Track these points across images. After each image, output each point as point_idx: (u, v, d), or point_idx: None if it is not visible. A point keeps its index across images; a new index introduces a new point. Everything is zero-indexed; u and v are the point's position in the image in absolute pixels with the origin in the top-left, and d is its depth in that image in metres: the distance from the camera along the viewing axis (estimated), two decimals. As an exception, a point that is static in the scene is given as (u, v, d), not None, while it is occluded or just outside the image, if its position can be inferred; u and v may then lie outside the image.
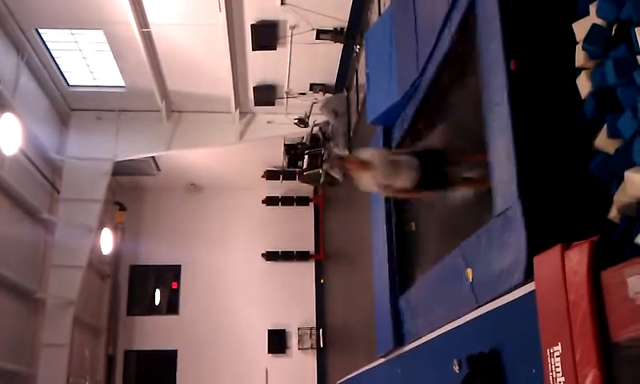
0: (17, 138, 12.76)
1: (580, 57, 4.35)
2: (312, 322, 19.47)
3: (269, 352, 19.16)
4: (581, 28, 4.32)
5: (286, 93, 15.48)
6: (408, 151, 6.64)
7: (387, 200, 8.87)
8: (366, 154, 6.68)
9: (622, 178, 3.96)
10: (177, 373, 18.96)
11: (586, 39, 4.25)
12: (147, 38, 13.31)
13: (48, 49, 13.86)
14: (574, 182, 4.53)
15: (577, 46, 4.38)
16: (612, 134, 4.08)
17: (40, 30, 13.33)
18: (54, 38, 13.60)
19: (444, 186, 6.41)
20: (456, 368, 5.66)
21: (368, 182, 6.54)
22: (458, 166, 6.20)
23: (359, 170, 6.53)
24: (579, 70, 4.37)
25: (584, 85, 4.33)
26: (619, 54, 3.99)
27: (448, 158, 6.32)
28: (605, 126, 4.13)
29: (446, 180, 6.30)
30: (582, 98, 4.36)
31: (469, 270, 5.44)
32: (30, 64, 13.79)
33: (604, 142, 4.16)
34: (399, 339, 8.18)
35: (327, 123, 15.42)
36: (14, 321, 13.92)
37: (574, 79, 4.42)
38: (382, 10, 10.81)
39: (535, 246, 4.25)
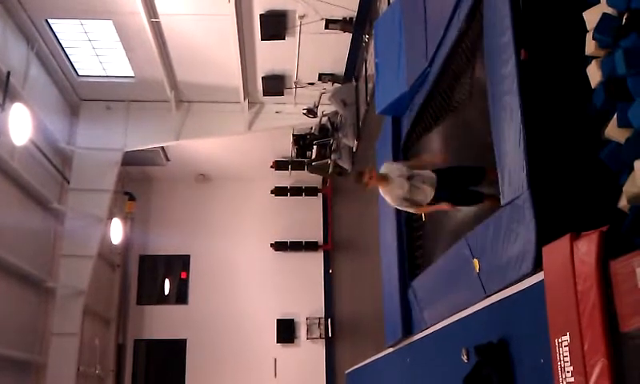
0: (27, 129, 12.81)
1: (590, 46, 4.33)
2: (320, 311, 19.52)
3: (277, 341, 19.23)
4: (591, 17, 4.30)
5: (295, 83, 15.46)
6: (428, 166, 6.71)
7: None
8: (385, 168, 6.76)
9: (632, 168, 3.94)
10: (186, 362, 19.07)
11: (597, 28, 4.22)
12: (156, 29, 13.32)
13: (58, 39, 13.89)
14: (584, 171, 4.52)
15: (587, 35, 4.36)
16: (622, 124, 4.06)
17: (50, 21, 13.36)
18: (64, 29, 13.63)
19: (464, 202, 6.50)
20: (464, 357, 5.67)
21: (387, 195, 6.65)
22: (480, 184, 6.28)
23: (378, 184, 6.61)
24: (589, 59, 4.35)
25: (594, 74, 4.31)
26: (629, 43, 3.96)
27: (470, 176, 6.41)
28: (615, 116, 4.12)
29: (467, 197, 6.41)
30: (592, 87, 4.34)
31: (475, 261, 5.44)
32: (39, 55, 13.83)
33: (614, 131, 4.15)
34: (408, 329, 8.20)
35: (336, 113, 15.41)
36: (24, 310, 14.01)
37: (584, 68, 4.40)
38: (392, 0, 10.77)
39: (544, 235, 4.24)
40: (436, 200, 6.49)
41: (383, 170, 6.79)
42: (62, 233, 15.41)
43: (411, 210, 6.92)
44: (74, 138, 16.00)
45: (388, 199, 6.70)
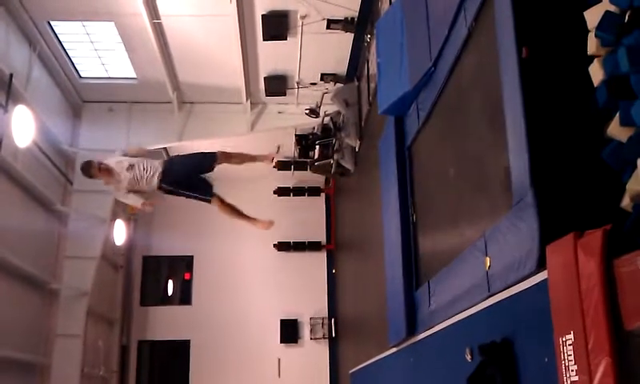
0: (30, 131, 12.82)
1: (592, 44, 4.33)
2: (324, 311, 19.51)
3: (281, 342, 19.24)
4: (592, 15, 4.29)
5: (297, 83, 15.47)
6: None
7: (400, 189, 8.87)
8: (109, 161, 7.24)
9: (634, 166, 3.94)
10: (190, 362, 19.09)
11: (599, 26, 4.22)
12: (158, 30, 13.34)
13: (60, 41, 13.92)
14: (587, 170, 4.52)
15: (589, 34, 4.35)
16: (625, 122, 4.06)
17: (52, 23, 13.38)
18: (66, 31, 13.65)
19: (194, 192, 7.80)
20: (468, 357, 5.67)
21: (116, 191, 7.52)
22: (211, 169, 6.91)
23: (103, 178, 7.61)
24: (592, 58, 4.34)
25: (596, 72, 4.31)
26: (632, 41, 3.96)
27: (199, 162, 6.81)
28: (617, 114, 4.11)
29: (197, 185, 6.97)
30: (595, 85, 4.34)
31: (487, 258, 5.43)
32: (42, 56, 13.85)
33: (617, 129, 4.14)
34: (412, 328, 8.19)
35: (338, 113, 15.41)
36: (28, 312, 14.03)
37: (587, 67, 4.40)
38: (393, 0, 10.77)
39: (548, 234, 4.24)
40: (163, 189, 6.82)
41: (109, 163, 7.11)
42: (65, 234, 15.42)
43: (131, 202, 7.30)
44: (76, 140, 16.01)
45: (117, 195, 7.17)
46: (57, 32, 13.65)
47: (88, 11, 12.82)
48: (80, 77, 15.35)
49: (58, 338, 14.85)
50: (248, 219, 8.23)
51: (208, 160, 7.49)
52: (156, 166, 7.59)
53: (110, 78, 15.50)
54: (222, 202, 7.35)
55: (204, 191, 7.40)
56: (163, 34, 13.55)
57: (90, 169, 7.82)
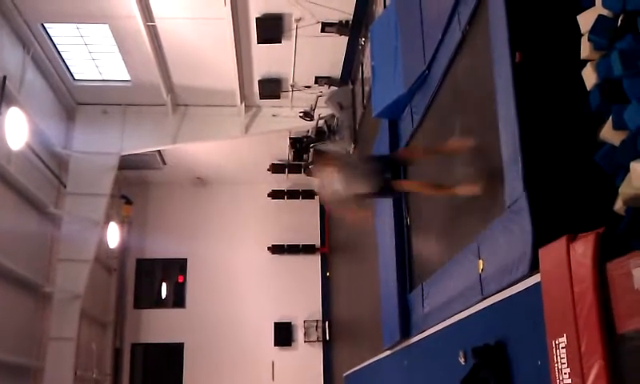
0: (23, 133, 12.79)
1: (585, 48, 4.34)
2: (318, 314, 19.50)
3: (275, 345, 19.21)
4: (585, 20, 4.31)
5: (292, 86, 15.47)
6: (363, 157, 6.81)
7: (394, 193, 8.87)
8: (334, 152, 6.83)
9: (627, 170, 3.95)
10: (183, 365, 19.04)
11: (592, 30, 4.23)
12: (152, 32, 13.32)
13: (54, 43, 13.89)
14: (580, 173, 4.53)
15: (582, 38, 4.37)
16: (618, 126, 4.07)
17: (46, 25, 13.35)
18: (60, 33, 13.63)
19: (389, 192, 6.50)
20: (462, 360, 5.67)
21: (329, 184, 6.52)
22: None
23: (327, 169, 6.52)
24: (585, 62, 4.36)
25: (589, 76, 4.32)
26: (625, 44, 3.97)
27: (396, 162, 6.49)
28: (610, 118, 4.13)
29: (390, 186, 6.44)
30: (588, 89, 4.35)
31: (480, 261, 5.44)
32: (35, 59, 13.82)
33: (609, 133, 4.16)
34: (406, 331, 8.20)
35: (333, 116, 15.42)
36: (21, 315, 13.98)
37: (579, 71, 4.41)
38: (387, 2, 10.79)
39: (541, 237, 4.25)
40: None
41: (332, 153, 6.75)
42: (58, 237, 15.38)
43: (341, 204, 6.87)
44: (70, 142, 15.98)
45: (329, 189, 6.54)
46: (51, 34, 13.63)
47: (82, 14, 12.80)
48: (74, 79, 15.32)
49: (51, 341, 14.80)
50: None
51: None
52: None
53: (103, 80, 15.48)
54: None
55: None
56: (157, 36, 13.54)
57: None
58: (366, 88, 12.99)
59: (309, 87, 15.35)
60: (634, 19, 3.93)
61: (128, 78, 15.27)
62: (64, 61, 14.58)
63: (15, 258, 13.11)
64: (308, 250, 20.04)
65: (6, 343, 12.85)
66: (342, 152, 6.89)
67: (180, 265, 20.03)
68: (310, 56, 14.36)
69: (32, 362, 14.29)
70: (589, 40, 4.28)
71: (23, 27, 13.00)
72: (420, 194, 8.20)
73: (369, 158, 6.87)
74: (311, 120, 15.49)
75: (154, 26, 13.16)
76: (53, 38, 13.72)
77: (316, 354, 19.33)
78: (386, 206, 9.25)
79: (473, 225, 5.89)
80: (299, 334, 19.44)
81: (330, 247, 19.55)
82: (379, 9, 11.63)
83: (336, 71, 15.14)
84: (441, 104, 7.40)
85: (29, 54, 13.48)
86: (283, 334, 19.30)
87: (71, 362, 15.04)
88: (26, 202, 14.01)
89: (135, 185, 19.57)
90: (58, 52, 14.21)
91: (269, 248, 19.82)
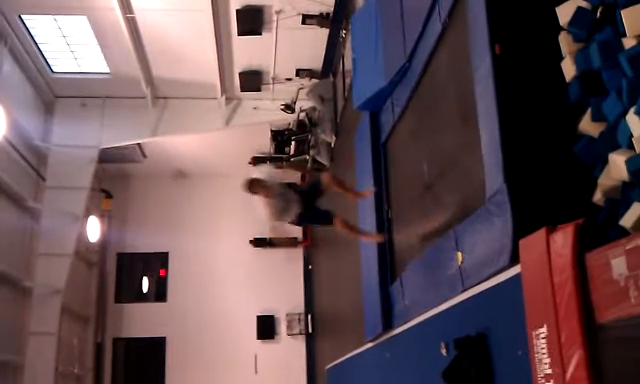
0: (1, 127, 12.64)
1: (565, 40, 4.36)
2: (300, 307, 19.50)
3: (258, 338, 19.18)
4: (565, 12, 4.33)
5: (272, 78, 15.42)
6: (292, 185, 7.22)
7: (375, 184, 8.89)
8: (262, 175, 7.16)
9: (606, 161, 3.98)
10: (166, 359, 18.97)
11: (571, 22, 4.25)
12: (132, 24, 13.20)
13: (32, 35, 13.71)
14: (559, 165, 4.56)
15: (562, 31, 4.39)
16: (596, 118, 4.10)
17: (23, 17, 13.18)
18: (38, 25, 13.46)
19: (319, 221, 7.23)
20: (443, 351, 5.70)
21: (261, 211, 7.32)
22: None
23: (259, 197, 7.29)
24: (564, 54, 4.38)
25: (569, 68, 4.34)
26: (604, 36, 4.00)
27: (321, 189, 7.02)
28: (589, 110, 4.15)
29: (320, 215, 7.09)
30: (567, 81, 4.37)
31: (459, 254, 5.47)
32: (13, 51, 13.63)
33: (588, 125, 4.19)
34: (388, 323, 8.22)
35: (314, 109, 15.39)
36: (1, 310, 13.84)
37: (559, 63, 4.43)
38: (368, -5, 10.77)
39: (521, 229, 4.27)
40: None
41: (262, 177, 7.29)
42: (38, 231, 15.23)
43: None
44: (49, 136, 15.81)
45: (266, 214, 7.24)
46: (28, 26, 13.45)
47: (60, 5, 12.66)
48: (52, 72, 15.15)
49: (32, 336, 14.68)
50: (365, 235, 8.33)
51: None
52: None
53: (82, 72, 15.32)
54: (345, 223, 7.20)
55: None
56: (137, 28, 13.42)
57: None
58: (347, 80, 12.97)
59: (290, 80, 15.31)
60: (612, 11, 3.95)
61: (107, 70, 15.12)
62: (42, 53, 14.41)
63: (-6, 253, 12.99)
64: (290, 243, 20.01)
65: (-15, 339, 12.74)
66: (271, 179, 7.24)
67: (161, 259, 19.91)
68: (290, 48, 14.32)
69: (12, 358, 14.16)
70: (568, 32, 4.30)
71: (0, 19, 12.82)
72: (402, 186, 8.24)
73: (293, 184, 7.34)
74: (292, 112, 15.45)
75: (133, 18, 13.03)
76: (30, 29, 13.54)
77: (299, 346, 19.34)
78: (367, 199, 9.25)
79: (453, 217, 5.92)
80: (282, 327, 19.43)
81: (313, 240, 19.54)
82: (360, 1, 11.60)
83: (317, 64, 15.10)
84: (421, 96, 7.41)
85: (6, 47, 13.30)
86: (266, 327, 19.28)
87: (52, 357, 14.92)
88: (5, 197, 13.86)
89: (115, 178, 19.40)
90: (36, 44, 14.03)
91: (251, 241, 19.76)
